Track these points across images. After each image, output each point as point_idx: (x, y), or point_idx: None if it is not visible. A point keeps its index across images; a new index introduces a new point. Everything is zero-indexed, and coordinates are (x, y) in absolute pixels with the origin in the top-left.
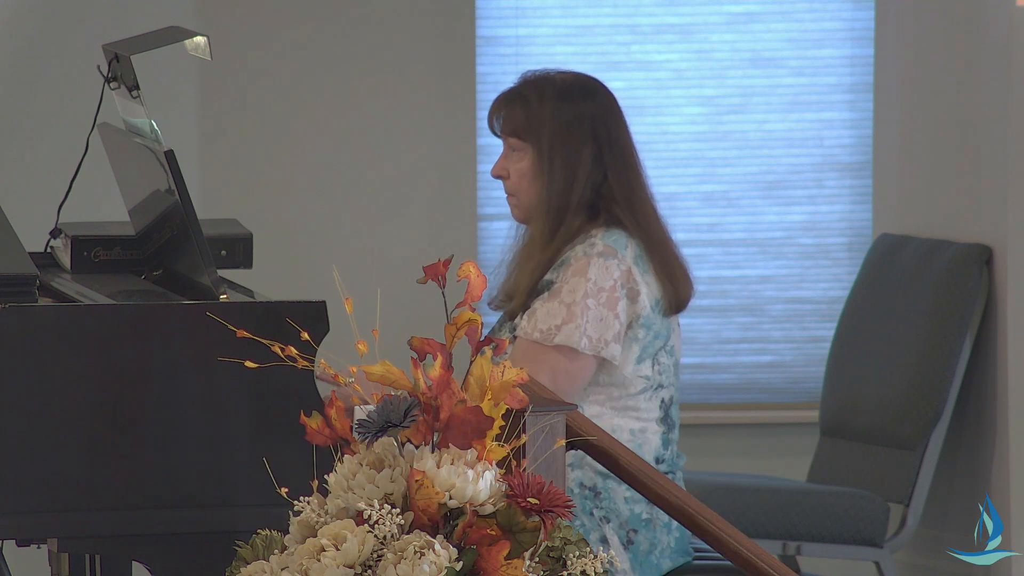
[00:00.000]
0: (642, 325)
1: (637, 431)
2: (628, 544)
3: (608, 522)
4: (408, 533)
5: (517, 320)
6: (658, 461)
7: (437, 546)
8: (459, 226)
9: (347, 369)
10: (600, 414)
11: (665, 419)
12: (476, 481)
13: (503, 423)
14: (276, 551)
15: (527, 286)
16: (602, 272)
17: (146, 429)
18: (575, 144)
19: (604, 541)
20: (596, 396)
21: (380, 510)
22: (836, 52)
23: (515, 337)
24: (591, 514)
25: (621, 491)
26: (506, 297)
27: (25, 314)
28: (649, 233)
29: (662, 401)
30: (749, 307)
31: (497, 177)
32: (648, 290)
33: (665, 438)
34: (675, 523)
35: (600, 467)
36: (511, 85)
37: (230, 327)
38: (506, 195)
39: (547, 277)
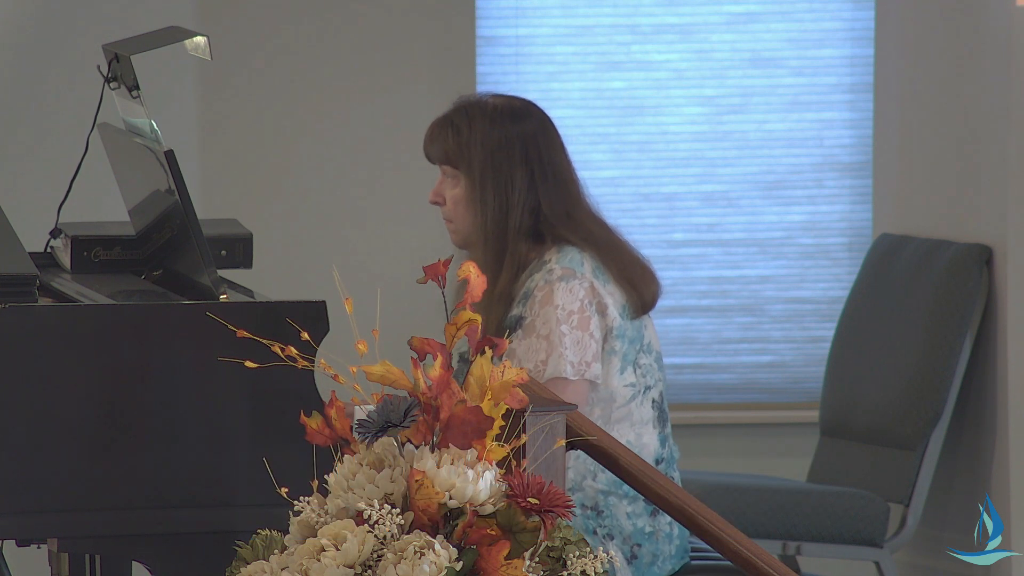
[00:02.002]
0: (616, 336)
1: (634, 440)
2: (632, 559)
3: (612, 539)
4: (408, 533)
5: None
6: (658, 462)
7: (437, 546)
8: None
9: (347, 369)
10: None
11: (660, 417)
12: (476, 481)
13: (503, 423)
14: (276, 551)
15: (494, 321)
16: (567, 295)
17: (146, 429)
18: (506, 169)
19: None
20: (591, 414)
21: (380, 510)
22: (836, 52)
23: None
24: (594, 533)
25: (623, 507)
26: None
27: (25, 314)
28: (598, 243)
29: (653, 401)
30: (749, 307)
31: (433, 203)
32: (613, 300)
33: (661, 436)
34: (675, 531)
35: (600, 485)
36: (444, 112)
37: (230, 327)
38: (445, 222)
39: (514, 312)
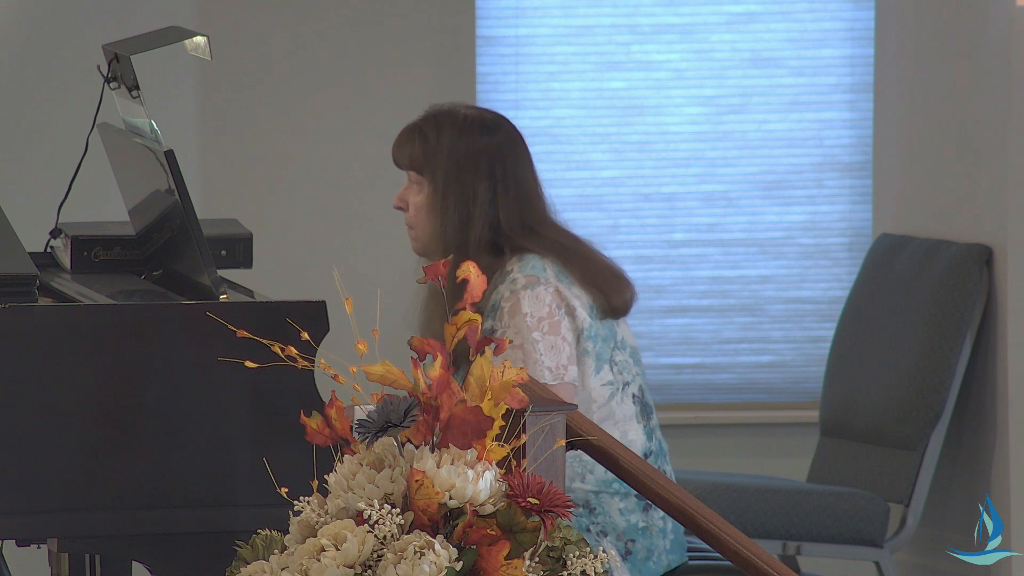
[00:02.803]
0: (588, 337)
1: (619, 439)
2: (627, 555)
3: (605, 536)
4: (408, 533)
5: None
6: (646, 455)
7: (437, 546)
8: None
9: (347, 369)
10: None
11: (643, 411)
12: (476, 481)
13: (503, 423)
14: (276, 551)
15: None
16: (534, 302)
17: (146, 429)
18: (469, 181)
19: None
20: None
21: (380, 510)
22: (836, 52)
23: None
24: (588, 530)
25: (615, 503)
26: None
27: (25, 314)
28: (560, 250)
29: (633, 396)
30: (749, 307)
31: (397, 208)
32: (580, 302)
33: (647, 429)
34: (670, 526)
35: (589, 486)
36: (415, 119)
37: (230, 327)
38: (407, 228)
39: (484, 326)
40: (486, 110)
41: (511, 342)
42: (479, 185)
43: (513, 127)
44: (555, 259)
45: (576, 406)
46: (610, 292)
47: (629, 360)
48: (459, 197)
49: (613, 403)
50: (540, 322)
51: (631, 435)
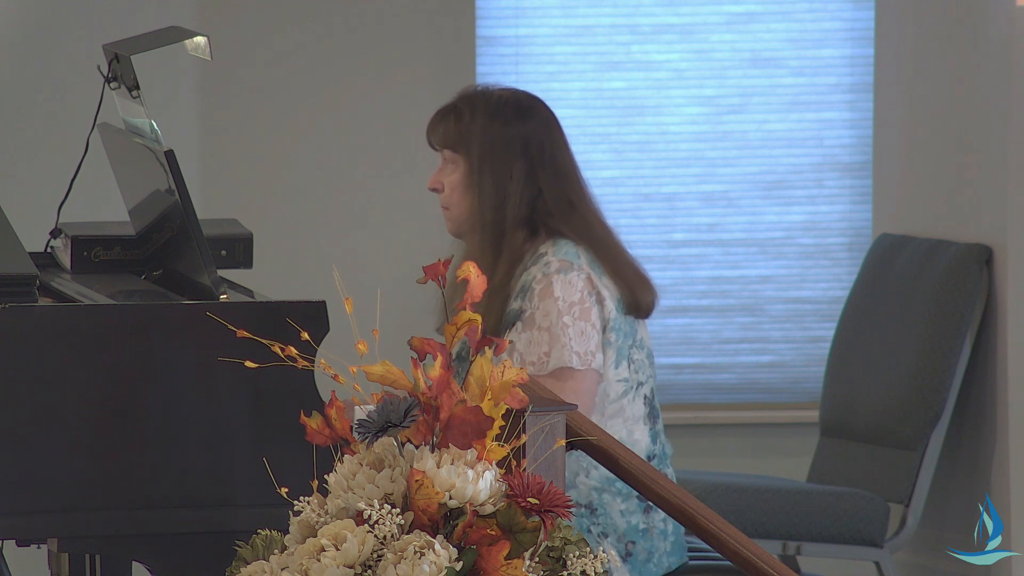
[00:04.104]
0: (613, 329)
1: (626, 437)
2: (627, 556)
3: (606, 537)
4: (408, 533)
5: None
6: (650, 458)
7: (437, 546)
8: None
9: (347, 369)
10: None
11: (651, 414)
12: (476, 481)
13: (503, 423)
14: (276, 551)
15: (492, 315)
16: (566, 287)
17: (146, 429)
18: (505, 160)
19: None
20: (598, 405)
21: (380, 510)
22: (836, 52)
23: None
24: (588, 531)
25: (616, 504)
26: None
27: (25, 314)
28: (593, 239)
29: (645, 397)
30: (749, 307)
31: (432, 190)
32: (609, 292)
33: (653, 432)
34: (670, 528)
35: (593, 482)
36: (449, 100)
37: (230, 327)
38: (441, 208)
39: (513, 306)
40: (518, 91)
41: (538, 325)
42: (515, 162)
43: (547, 109)
44: (588, 247)
45: (576, 406)
46: (636, 289)
47: (645, 361)
48: (496, 173)
49: (625, 400)
50: (571, 307)
51: (637, 435)
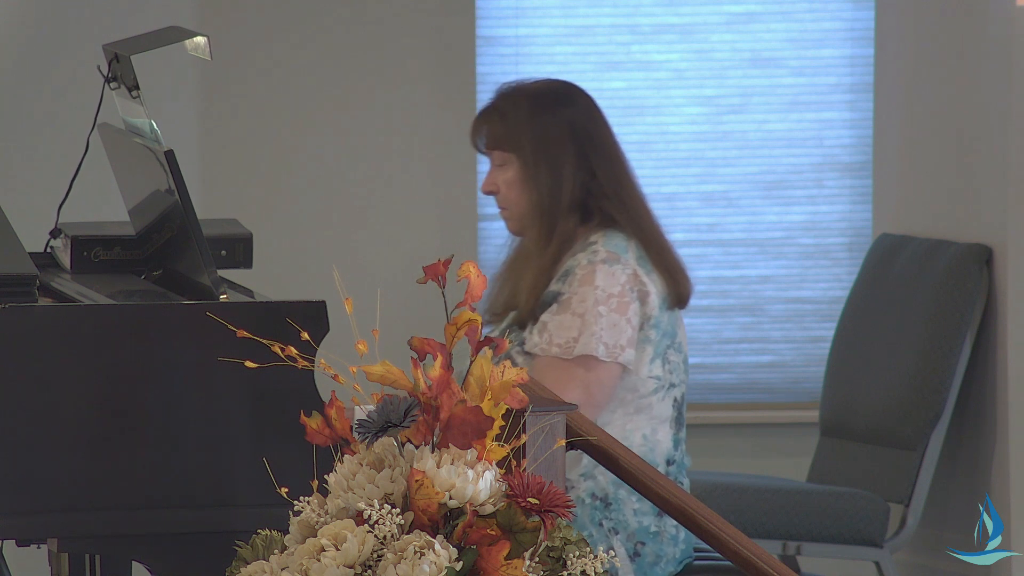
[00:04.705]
0: (653, 325)
1: (649, 435)
2: (635, 556)
3: (616, 534)
4: (408, 533)
5: (527, 333)
6: (669, 463)
7: (437, 546)
8: (459, 226)
9: (347, 369)
10: (610, 421)
11: (677, 419)
12: (476, 481)
13: (503, 423)
14: (276, 551)
15: (533, 294)
16: (608, 278)
17: (146, 429)
18: (556, 148)
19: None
20: (610, 403)
21: (380, 510)
22: (836, 52)
23: (524, 350)
24: (600, 524)
25: (631, 502)
26: (504, 308)
27: (25, 314)
28: (643, 230)
29: (674, 400)
30: (749, 307)
31: (488, 193)
32: (656, 288)
33: (676, 438)
34: (681, 535)
35: (613, 476)
36: (488, 102)
37: (230, 327)
38: (499, 210)
39: (552, 288)
40: (554, 80)
41: (573, 309)
42: (567, 148)
43: (586, 94)
44: (639, 241)
45: (576, 406)
46: (680, 281)
47: (680, 365)
48: (550, 163)
49: (654, 398)
50: (609, 298)
51: (660, 435)
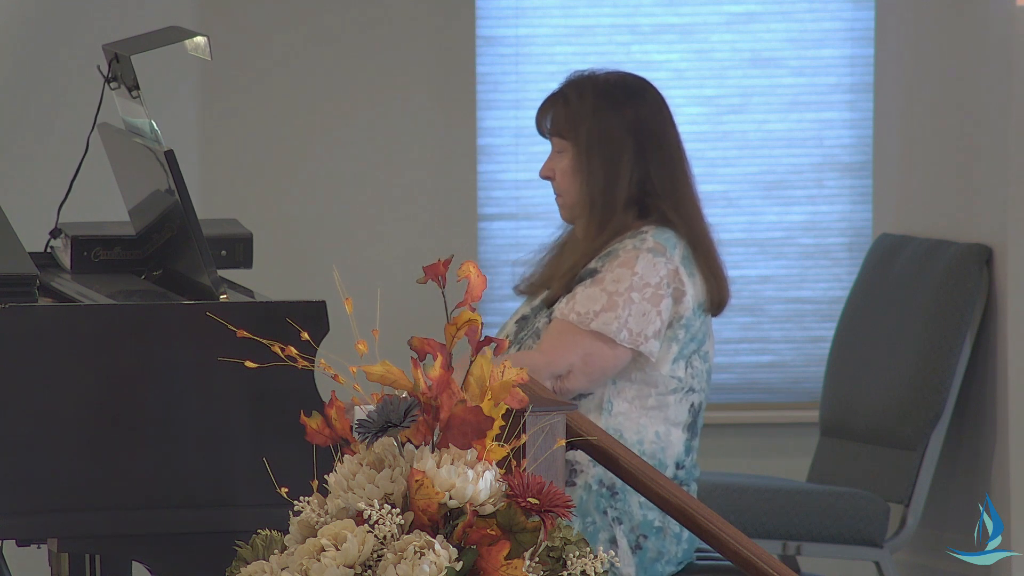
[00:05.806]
0: (683, 326)
1: (662, 434)
2: (636, 549)
3: (620, 524)
4: (408, 533)
5: (557, 304)
6: (679, 466)
7: (437, 546)
8: (459, 226)
9: (347, 369)
10: (627, 412)
11: (692, 425)
12: (476, 481)
13: (503, 423)
14: (276, 551)
15: (571, 273)
16: (649, 267)
17: (146, 429)
18: (614, 142)
19: (613, 542)
20: (627, 393)
21: (380, 510)
22: (836, 52)
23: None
24: (604, 512)
25: (637, 495)
26: (540, 283)
27: (25, 314)
28: (695, 232)
29: (692, 405)
30: (749, 307)
31: (544, 178)
32: (694, 291)
33: (688, 444)
34: (685, 535)
35: None
36: (556, 87)
37: (230, 327)
38: (555, 196)
39: (591, 265)
40: (627, 74)
41: (604, 286)
42: (624, 143)
43: (656, 92)
44: (688, 243)
45: (576, 406)
46: (722, 288)
47: (704, 374)
48: (604, 157)
49: (672, 398)
50: (645, 287)
51: (673, 437)
